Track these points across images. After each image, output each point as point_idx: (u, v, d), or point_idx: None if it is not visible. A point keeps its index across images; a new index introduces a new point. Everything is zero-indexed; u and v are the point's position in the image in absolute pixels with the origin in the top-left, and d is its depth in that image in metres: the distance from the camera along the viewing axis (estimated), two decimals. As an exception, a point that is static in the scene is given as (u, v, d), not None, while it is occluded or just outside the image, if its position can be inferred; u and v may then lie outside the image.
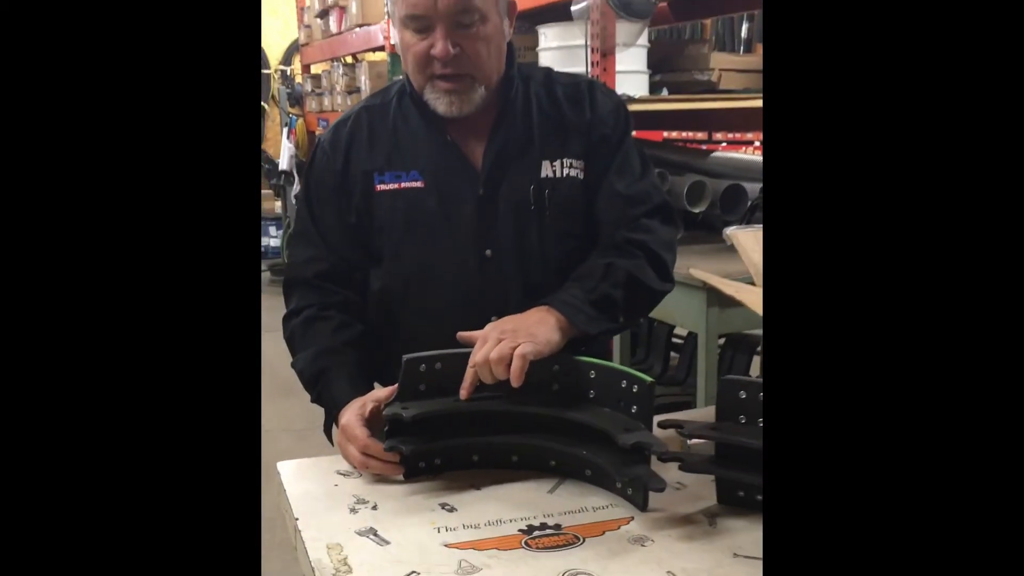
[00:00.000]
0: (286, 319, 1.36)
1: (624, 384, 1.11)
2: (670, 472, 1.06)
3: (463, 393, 1.11)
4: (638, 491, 1.05)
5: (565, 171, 1.30)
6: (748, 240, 1.44)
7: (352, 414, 1.17)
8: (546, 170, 1.30)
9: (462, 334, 1.16)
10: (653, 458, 1.05)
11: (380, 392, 1.19)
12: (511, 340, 1.10)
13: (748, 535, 0.98)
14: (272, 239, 7.73)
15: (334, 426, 1.24)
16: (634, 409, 1.09)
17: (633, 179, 1.33)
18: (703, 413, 1.31)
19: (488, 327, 1.15)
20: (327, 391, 1.26)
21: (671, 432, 1.11)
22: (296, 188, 6.66)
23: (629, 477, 1.05)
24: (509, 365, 1.08)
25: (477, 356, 1.10)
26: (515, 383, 1.08)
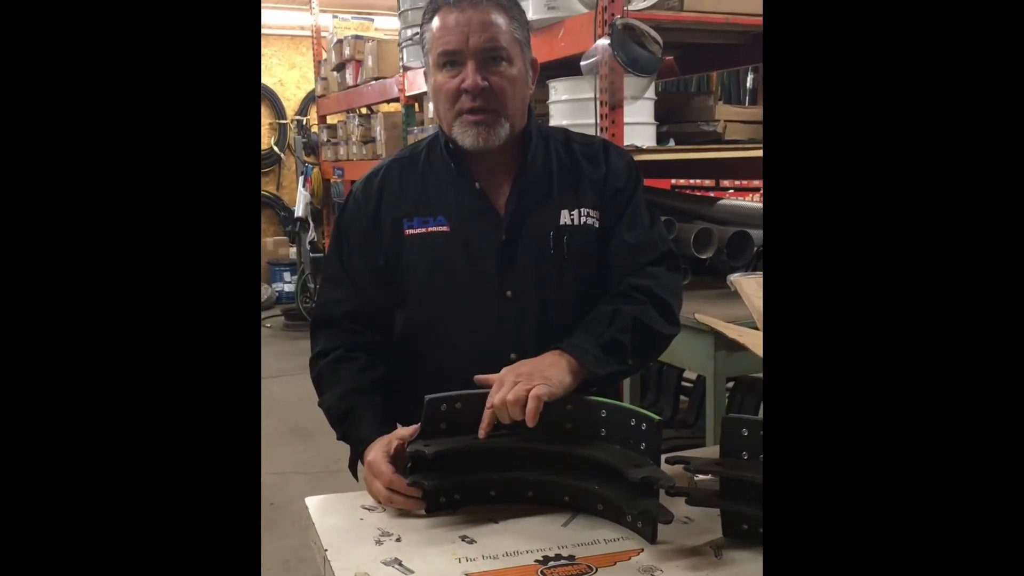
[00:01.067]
0: (313, 360, 1.43)
1: (633, 422, 1.17)
2: (678, 506, 1.12)
3: (481, 433, 1.17)
4: (647, 524, 1.11)
5: (582, 219, 1.39)
6: (750, 286, 1.51)
7: (378, 451, 1.23)
8: (565, 218, 1.38)
9: (479, 377, 1.23)
10: (661, 492, 1.10)
11: (404, 430, 1.25)
12: (526, 383, 1.17)
13: (752, 566, 1.03)
14: (286, 285, 7.82)
15: (359, 463, 1.30)
16: (643, 446, 1.15)
17: (642, 230, 1.42)
18: (708, 451, 1.37)
19: (504, 371, 1.22)
20: (353, 430, 1.32)
21: (678, 468, 1.16)
22: (311, 235, 6.77)
23: (639, 510, 1.11)
24: (524, 406, 1.15)
25: (495, 398, 1.17)
26: (530, 423, 1.15)
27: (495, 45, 1.31)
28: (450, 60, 1.32)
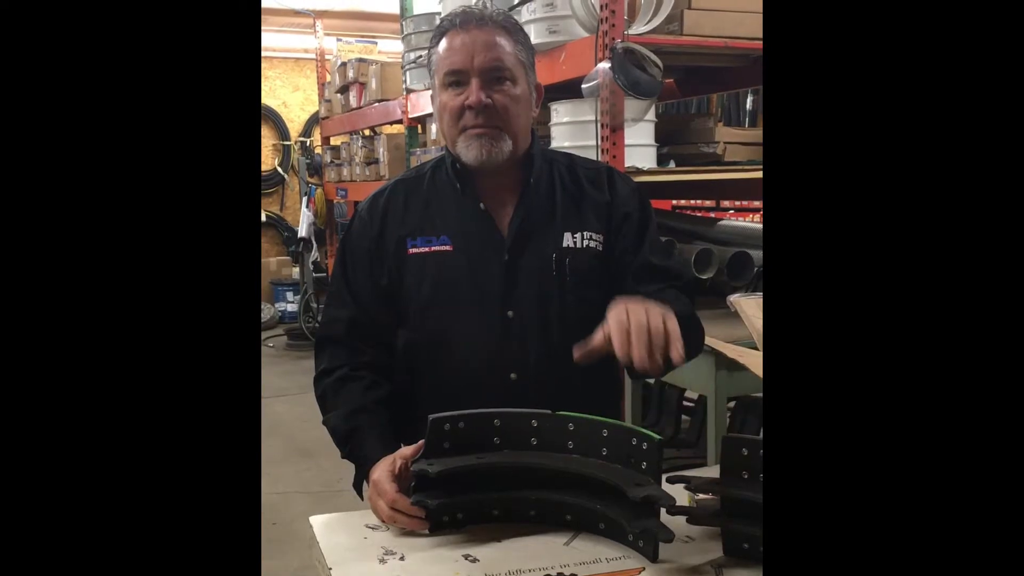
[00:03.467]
0: (318, 378, 1.44)
1: (634, 442, 1.18)
2: (679, 525, 1.13)
3: (635, 355, 1.12)
4: (649, 542, 1.11)
5: (585, 242, 1.41)
6: (751, 307, 1.53)
7: (383, 470, 1.24)
8: (567, 240, 1.40)
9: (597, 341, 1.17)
10: (662, 511, 1.11)
11: (408, 449, 1.26)
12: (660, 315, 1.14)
13: (753, 584, 1.05)
14: (289, 304, 7.84)
15: (365, 482, 1.31)
16: (644, 465, 1.16)
17: (666, 255, 1.46)
18: (709, 470, 1.38)
19: (626, 301, 1.17)
20: (359, 448, 1.34)
21: (679, 487, 1.18)
22: (314, 255, 6.79)
23: (640, 529, 1.11)
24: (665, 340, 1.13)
25: (635, 319, 1.12)
26: (679, 361, 1.14)
27: (499, 64, 1.34)
28: (455, 79, 1.35)
